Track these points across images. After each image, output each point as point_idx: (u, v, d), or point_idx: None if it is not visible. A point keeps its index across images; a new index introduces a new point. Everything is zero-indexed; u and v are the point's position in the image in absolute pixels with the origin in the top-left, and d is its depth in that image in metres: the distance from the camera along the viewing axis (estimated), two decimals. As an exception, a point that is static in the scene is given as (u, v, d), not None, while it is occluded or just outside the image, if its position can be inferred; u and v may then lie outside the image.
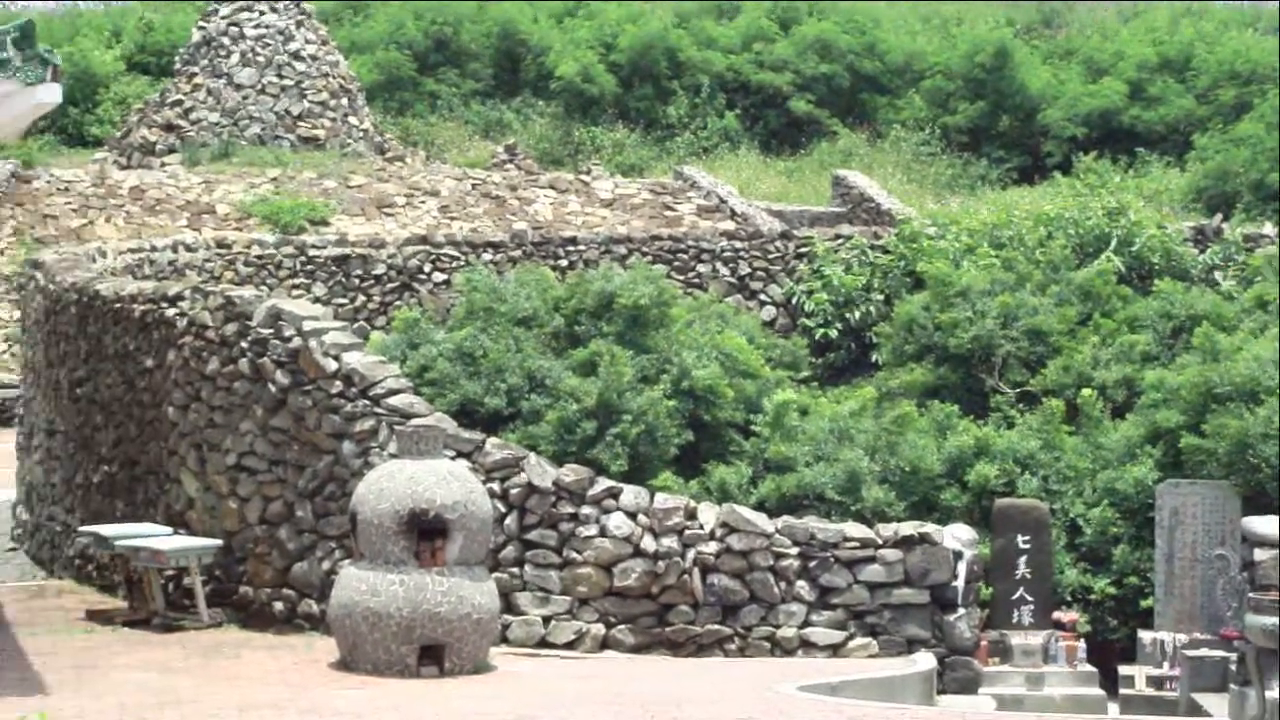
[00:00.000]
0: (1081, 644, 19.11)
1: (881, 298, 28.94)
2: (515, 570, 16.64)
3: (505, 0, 59.56)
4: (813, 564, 16.84)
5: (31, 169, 42.38)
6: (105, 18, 58.82)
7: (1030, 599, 19.21)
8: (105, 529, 17.97)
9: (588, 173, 46.60)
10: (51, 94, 13.20)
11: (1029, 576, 19.22)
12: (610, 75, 55.53)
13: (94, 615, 17.63)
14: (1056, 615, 19.27)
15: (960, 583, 17.11)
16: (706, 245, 32.30)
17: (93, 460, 19.74)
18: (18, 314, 30.42)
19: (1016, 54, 56.81)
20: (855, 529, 17.19)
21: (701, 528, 16.77)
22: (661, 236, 32.89)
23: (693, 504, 17.06)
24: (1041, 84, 56.21)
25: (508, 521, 16.65)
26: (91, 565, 19.36)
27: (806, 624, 16.79)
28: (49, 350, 21.07)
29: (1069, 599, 19.76)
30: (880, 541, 17.02)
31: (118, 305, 19.33)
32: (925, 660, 16.61)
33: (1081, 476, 20.59)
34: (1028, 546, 19.23)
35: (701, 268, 31.51)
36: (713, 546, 16.73)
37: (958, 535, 17.49)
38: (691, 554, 16.67)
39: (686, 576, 16.64)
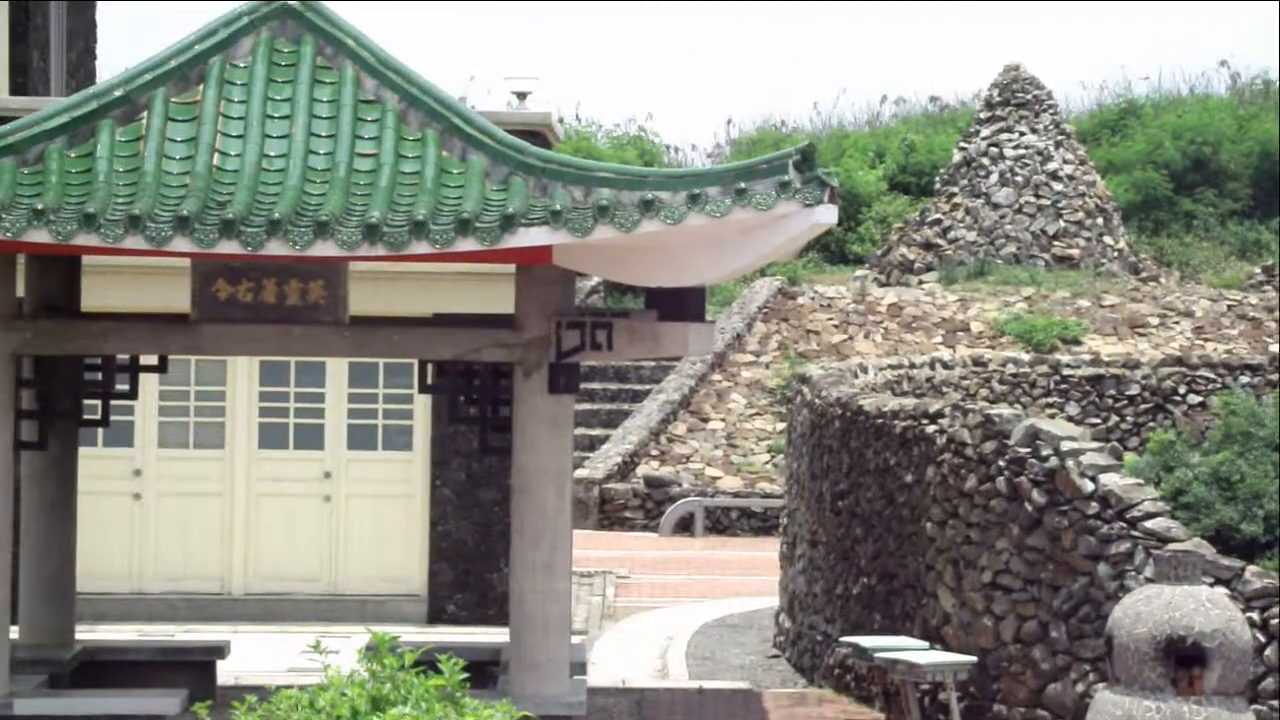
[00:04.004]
0: None
1: None
2: (1275, 703, 16.31)
3: (1267, 120, 58.42)
4: None
5: (796, 285, 44.00)
6: (870, 139, 60.43)
7: None
8: (864, 640, 18.41)
9: (1350, 294, 45.22)
10: (828, 215, 13.64)
11: None
12: (1378, 195, 53.83)
13: (852, 724, 18.16)
14: None
15: None
16: None
17: (852, 572, 20.30)
18: (781, 425, 31.62)
19: None
20: None
21: None
22: None
23: None
24: None
25: (1267, 652, 16.35)
26: (850, 675, 19.88)
27: None
28: (813, 463, 21.78)
29: None
30: None
31: (879, 421, 19.87)
32: None
33: None
34: None
35: None
36: None
37: None
38: None
39: None
